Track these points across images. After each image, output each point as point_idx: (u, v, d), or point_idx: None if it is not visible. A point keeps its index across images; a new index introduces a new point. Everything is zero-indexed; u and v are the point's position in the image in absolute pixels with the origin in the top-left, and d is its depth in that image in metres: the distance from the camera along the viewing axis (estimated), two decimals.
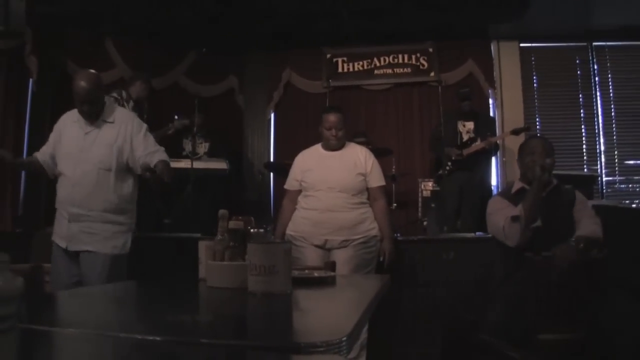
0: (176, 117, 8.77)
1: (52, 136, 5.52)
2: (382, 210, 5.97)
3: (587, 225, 4.79)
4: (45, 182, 5.66)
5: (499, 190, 9.62)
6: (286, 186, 6.22)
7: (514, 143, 9.97)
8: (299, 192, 6.05)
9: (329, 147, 6.06)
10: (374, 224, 5.88)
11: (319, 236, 5.77)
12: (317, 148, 6.18)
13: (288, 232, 5.95)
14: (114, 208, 5.29)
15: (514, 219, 4.76)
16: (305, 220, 5.87)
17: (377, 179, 5.98)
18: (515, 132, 8.84)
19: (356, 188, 5.85)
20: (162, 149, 5.56)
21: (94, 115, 5.26)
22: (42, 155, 5.53)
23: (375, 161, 6.06)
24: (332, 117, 6.01)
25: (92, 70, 5.39)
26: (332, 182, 5.81)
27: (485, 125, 9.13)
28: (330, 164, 5.95)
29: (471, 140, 8.89)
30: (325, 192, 5.80)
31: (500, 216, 4.91)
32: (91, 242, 5.19)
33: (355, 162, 5.94)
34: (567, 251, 4.52)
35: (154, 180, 5.09)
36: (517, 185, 5.19)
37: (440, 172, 8.61)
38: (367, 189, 5.96)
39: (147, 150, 5.31)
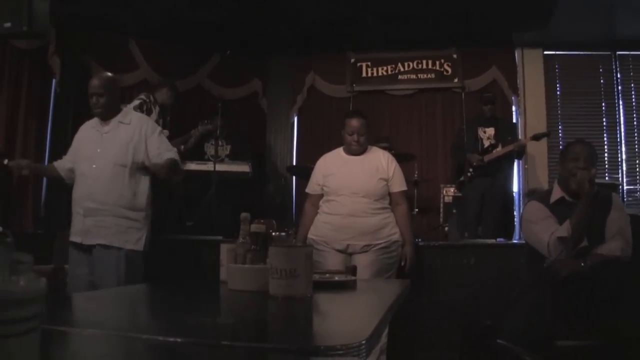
0: (200, 124, 8.81)
1: (72, 146, 5.86)
2: (403, 215, 5.94)
3: (610, 242, 4.64)
4: (68, 184, 5.75)
5: (528, 193, 9.62)
6: (308, 190, 6.19)
7: (535, 150, 9.98)
8: (321, 196, 6.01)
9: (351, 152, 5.99)
10: (395, 229, 5.83)
11: (341, 241, 5.73)
12: (339, 152, 6.12)
13: (310, 236, 5.92)
14: (128, 204, 5.54)
15: (561, 240, 4.57)
16: (327, 225, 5.82)
17: (399, 184, 5.94)
18: (536, 138, 8.79)
19: (378, 193, 5.79)
20: (175, 149, 5.84)
21: (110, 111, 5.64)
22: (60, 164, 5.85)
23: (397, 166, 6.01)
24: (354, 122, 5.91)
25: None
26: (354, 187, 5.75)
27: (506, 131, 9.04)
28: (353, 168, 5.88)
29: (492, 147, 8.82)
30: (347, 197, 5.74)
31: (544, 229, 4.75)
32: (105, 235, 5.42)
33: (378, 167, 5.88)
34: (568, 266, 4.48)
35: (155, 171, 5.48)
36: (557, 192, 4.98)
37: (462, 178, 8.60)
38: (389, 194, 5.91)
39: (159, 150, 5.59)
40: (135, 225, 5.58)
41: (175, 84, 8.70)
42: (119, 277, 5.37)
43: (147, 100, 7.91)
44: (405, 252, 5.88)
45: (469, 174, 8.44)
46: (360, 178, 5.83)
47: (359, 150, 5.98)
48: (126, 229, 5.50)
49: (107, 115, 5.63)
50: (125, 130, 5.61)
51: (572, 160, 4.80)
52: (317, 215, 6.00)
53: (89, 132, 5.71)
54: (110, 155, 5.49)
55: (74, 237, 5.52)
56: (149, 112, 7.70)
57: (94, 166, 5.47)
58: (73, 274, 5.58)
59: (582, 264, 4.44)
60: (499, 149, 8.72)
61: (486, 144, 8.92)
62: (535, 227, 4.89)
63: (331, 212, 5.83)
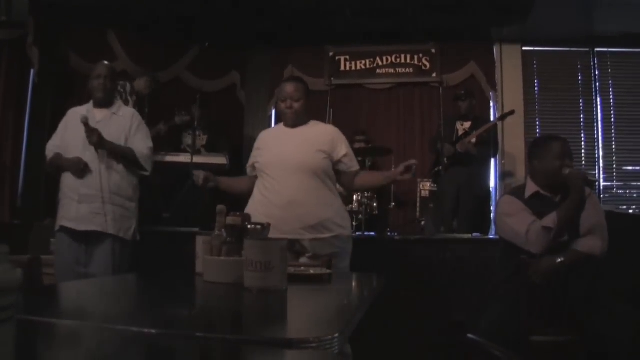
0: (176, 114, 8.84)
1: (60, 129, 5.87)
2: (364, 172, 5.50)
3: (588, 239, 4.56)
4: (44, 173, 5.77)
5: (505, 189, 9.64)
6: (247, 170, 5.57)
7: (513, 148, 10.02)
8: (254, 178, 5.31)
9: (289, 124, 5.16)
10: (345, 222, 5.06)
11: (284, 234, 4.55)
12: (280, 126, 5.39)
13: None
14: (122, 192, 5.66)
15: (546, 230, 4.47)
16: (265, 218, 4.39)
17: (353, 163, 5.19)
18: (502, 118, 8.91)
19: (315, 167, 4.94)
20: (149, 147, 5.91)
21: (109, 97, 5.80)
22: (51, 152, 5.78)
23: (346, 142, 5.23)
24: (288, 87, 5.09)
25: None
26: (286, 161, 4.95)
27: (482, 126, 9.06)
28: (288, 141, 5.09)
29: (466, 134, 8.82)
30: (279, 172, 4.95)
31: (520, 221, 4.64)
32: (100, 222, 5.49)
33: (318, 138, 5.07)
34: (544, 265, 4.47)
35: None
36: (531, 187, 4.86)
37: (436, 169, 8.63)
38: (344, 173, 5.16)
39: (137, 146, 5.74)
40: (128, 214, 5.70)
41: (156, 75, 8.72)
42: (110, 264, 5.47)
43: (122, 90, 7.92)
44: (397, 170, 5.34)
45: (445, 162, 8.44)
46: (293, 150, 4.98)
47: (297, 121, 5.12)
48: (121, 217, 5.61)
49: (105, 101, 5.75)
50: (118, 121, 5.73)
51: (557, 158, 4.68)
52: (252, 204, 5.12)
53: (78, 119, 5.54)
54: None
55: (66, 223, 5.54)
56: (125, 103, 7.70)
57: (87, 154, 5.51)
58: (61, 259, 5.60)
59: (559, 260, 4.44)
60: (474, 133, 8.70)
61: (460, 133, 8.92)
62: (510, 219, 4.77)
63: (265, 195, 5.00)
